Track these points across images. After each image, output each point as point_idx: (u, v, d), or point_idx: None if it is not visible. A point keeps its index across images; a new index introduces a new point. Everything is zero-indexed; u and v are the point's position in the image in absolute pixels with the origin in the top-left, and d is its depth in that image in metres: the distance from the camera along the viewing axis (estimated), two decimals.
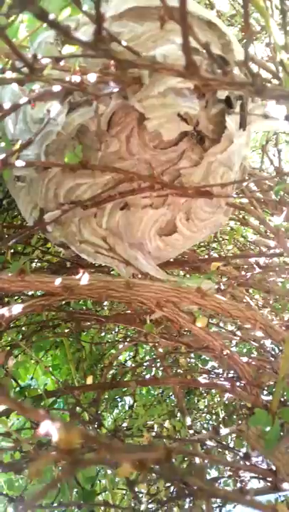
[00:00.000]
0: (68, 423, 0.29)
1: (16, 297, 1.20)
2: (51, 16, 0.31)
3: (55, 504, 0.99)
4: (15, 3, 0.31)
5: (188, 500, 1.13)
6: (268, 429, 0.62)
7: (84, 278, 0.62)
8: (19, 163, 0.60)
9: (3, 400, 0.33)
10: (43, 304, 0.65)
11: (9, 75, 0.53)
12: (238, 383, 0.86)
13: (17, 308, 0.62)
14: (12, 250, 1.06)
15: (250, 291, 1.58)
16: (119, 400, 1.79)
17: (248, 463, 0.74)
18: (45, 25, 0.76)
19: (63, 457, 0.28)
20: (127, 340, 1.60)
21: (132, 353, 1.83)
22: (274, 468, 0.70)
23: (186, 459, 1.38)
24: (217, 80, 0.40)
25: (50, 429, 0.29)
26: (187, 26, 0.34)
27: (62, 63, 0.57)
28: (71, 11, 0.64)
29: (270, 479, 0.76)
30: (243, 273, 1.23)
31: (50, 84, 0.55)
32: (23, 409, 0.31)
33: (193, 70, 0.37)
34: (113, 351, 1.70)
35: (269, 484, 0.79)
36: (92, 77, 0.57)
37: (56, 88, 0.55)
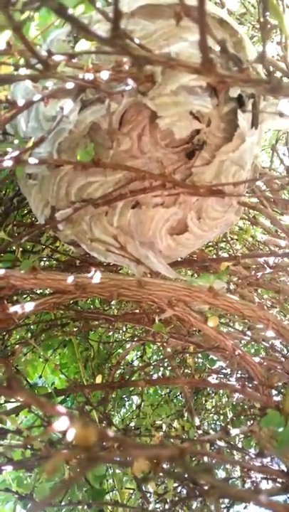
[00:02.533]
0: (85, 421, 0.29)
1: (25, 296, 1.20)
2: (69, 11, 0.31)
3: (64, 503, 0.99)
4: None
5: (196, 501, 1.13)
6: (280, 430, 0.62)
7: (96, 276, 0.62)
8: (32, 160, 0.60)
9: (22, 394, 0.33)
10: (55, 302, 0.65)
11: (23, 71, 0.53)
12: (247, 383, 0.86)
13: (29, 306, 0.62)
14: (21, 248, 1.06)
15: (259, 291, 1.57)
16: (126, 399, 1.79)
17: (260, 463, 0.74)
18: (56, 23, 0.77)
19: (80, 454, 0.28)
20: (135, 339, 1.60)
21: (139, 353, 1.83)
22: (285, 469, 0.70)
23: (194, 459, 1.38)
24: (233, 77, 0.40)
25: (66, 425, 0.29)
26: (205, 23, 0.34)
27: (75, 61, 0.57)
28: (85, 8, 0.64)
29: (281, 480, 0.76)
30: (252, 273, 1.23)
31: (64, 82, 0.54)
32: (41, 404, 0.31)
33: (209, 66, 0.37)
34: (120, 351, 1.70)
35: (280, 485, 0.79)
36: (104, 75, 0.57)
37: (69, 85, 0.55)
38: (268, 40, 1.41)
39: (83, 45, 0.57)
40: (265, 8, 0.37)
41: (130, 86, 0.56)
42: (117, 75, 0.58)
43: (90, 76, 0.56)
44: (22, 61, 0.56)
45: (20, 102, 0.54)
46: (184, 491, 1.16)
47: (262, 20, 0.36)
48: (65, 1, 0.64)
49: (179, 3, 0.40)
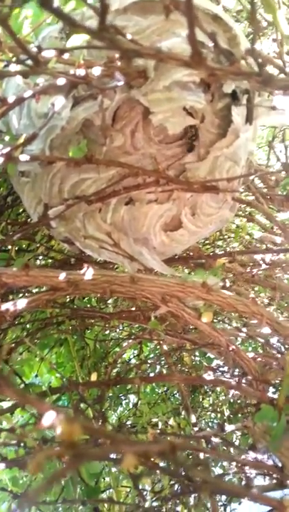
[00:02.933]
0: (71, 417, 0.29)
1: (20, 295, 1.20)
2: (55, 4, 0.31)
3: (60, 501, 0.99)
4: None
5: (192, 497, 1.13)
6: (274, 425, 0.62)
7: (88, 273, 0.62)
8: (23, 157, 0.60)
9: (8, 391, 0.33)
10: (48, 299, 0.65)
11: (13, 68, 0.53)
12: (243, 380, 0.86)
13: (22, 303, 0.62)
14: (16, 247, 1.06)
15: (256, 288, 1.57)
16: (123, 398, 1.79)
17: (253, 457, 0.74)
18: (49, 20, 0.76)
19: (66, 451, 0.28)
20: (132, 337, 1.60)
21: (136, 351, 1.83)
22: (280, 464, 0.70)
23: (190, 456, 1.38)
24: (223, 70, 0.40)
25: (53, 420, 0.29)
26: (193, 16, 0.34)
27: (66, 57, 0.56)
28: (76, 4, 0.64)
29: (276, 476, 0.76)
30: (248, 270, 1.23)
31: (55, 78, 0.54)
32: (28, 400, 0.31)
33: (198, 59, 0.37)
34: (117, 349, 1.70)
35: (275, 481, 0.79)
36: (96, 71, 0.57)
37: (61, 81, 0.55)
38: (263, 36, 1.41)
39: (74, 40, 0.57)
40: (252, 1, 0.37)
41: (121, 81, 0.56)
42: (109, 71, 0.58)
43: (81, 72, 0.56)
44: (12, 57, 0.55)
45: (11, 99, 0.54)
46: (180, 487, 1.16)
47: (252, 13, 0.36)
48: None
49: None
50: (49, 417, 0.30)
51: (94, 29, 0.33)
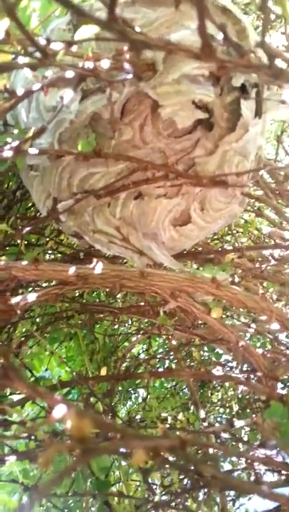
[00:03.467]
0: (82, 410, 0.29)
1: (30, 289, 1.20)
2: None
3: (70, 494, 1.00)
4: None
5: (202, 492, 1.13)
6: (283, 421, 0.61)
7: (98, 267, 0.62)
8: (32, 150, 0.60)
9: (20, 384, 0.33)
10: (57, 294, 0.65)
11: (22, 60, 0.53)
12: (252, 376, 0.86)
13: (32, 297, 0.62)
14: (26, 242, 1.06)
15: (265, 284, 1.57)
16: (132, 392, 1.80)
17: (262, 454, 0.74)
18: (57, 13, 0.76)
19: (75, 445, 0.28)
20: (141, 332, 1.60)
21: (145, 346, 1.83)
22: None
23: (199, 451, 1.38)
24: (233, 63, 0.39)
25: (64, 414, 0.29)
26: (204, 7, 0.33)
27: (75, 49, 0.56)
28: None
29: (285, 473, 0.75)
30: (257, 265, 1.22)
31: (63, 70, 0.54)
32: (38, 393, 0.31)
33: (208, 51, 0.36)
34: (126, 344, 1.70)
35: (284, 478, 0.78)
36: (105, 63, 0.57)
37: (69, 74, 0.54)
38: (272, 29, 1.39)
39: (82, 32, 0.56)
40: None
41: (130, 74, 0.56)
42: (117, 64, 0.58)
43: (90, 65, 0.55)
44: (21, 49, 0.55)
45: (20, 92, 0.53)
46: (190, 483, 1.16)
47: (263, 4, 0.36)
48: None
49: None
50: (60, 410, 0.30)
51: (103, 20, 0.33)
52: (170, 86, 0.65)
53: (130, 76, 0.56)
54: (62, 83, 0.56)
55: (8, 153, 0.55)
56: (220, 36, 0.39)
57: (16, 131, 0.64)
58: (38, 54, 0.47)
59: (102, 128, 0.70)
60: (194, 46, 0.64)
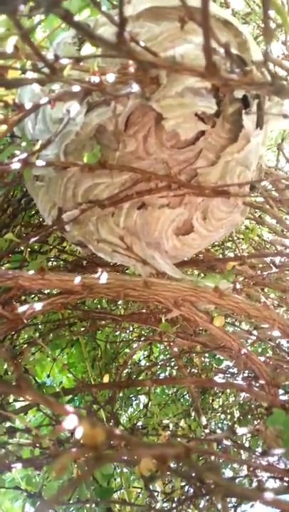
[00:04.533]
0: (93, 421, 0.30)
1: (32, 296, 1.21)
2: (75, 18, 0.32)
3: (72, 501, 1.00)
4: (39, 5, 0.32)
5: (203, 499, 1.13)
6: (286, 429, 0.62)
7: (102, 277, 0.63)
8: (39, 162, 0.61)
9: (30, 394, 0.34)
10: (63, 302, 0.66)
11: (30, 75, 0.54)
12: (254, 383, 0.86)
13: (38, 306, 0.63)
14: (29, 249, 1.07)
15: (266, 290, 1.57)
16: (133, 398, 1.80)
17: (265, 462, 0.74)
18: (63, 25, 0.77)
19: (88, 453, 0.29)
20: (142, 339, 1.61)
21: (146, 352, 1.84)
22: None
23: (200, 458, 1.38)
24: (237, 81, 0.41)
25: (74, 424, 0.30)
26: (209, 27, 0.35)
27: (81, 64, 0.57)
28: (90, 12, 0.65)
29: (287, 479, 0.76)
30: (258, 272, 1.23)
31: (70, 85, 0.55)
32: (50, 403, 0.32)
33: (213, 70, 0.37)
34: (128, 350, 1.71)
35: (286, 484, 0.79)
36: (110, 78, 0.58)
37: (76, 88, 0.56)
38: (272, 39, 1.41)
39: (89, 48, 0.58)
40: (266, 8, 0.38)
41: (135, 88, 0.57)
42: (122, 78, 0.59)
43: (96, 79, 0.57)
44: (29, 65, 0.56)
45: (27, 106, 0.55)
46: (191, 490, 1.16)
47: (264, 21, 0.37)
48: (71, 5, 0.65)
49: (183, 7, 0.40)
50: (71, 421, 0.31)
51: (112, 43, 0.34)
52: (173, 99, 0.67)
53: (135, 90, 0.57)
54: (69, 97, 0.57)
55: (16, 166, 0.56)
56: (222, 50, 0.41)
57: (23, 144, 0.65)
58: (45, 69, 0.49)
59: (106, 140, 0.71)
60: (198, 60, 0.65)
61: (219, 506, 1.19)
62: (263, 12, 0.40)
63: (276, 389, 0.73)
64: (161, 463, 0.33)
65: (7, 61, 0.56)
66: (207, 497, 0.91)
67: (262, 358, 0.79)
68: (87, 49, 0.61)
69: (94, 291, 0.63)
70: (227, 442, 0.89)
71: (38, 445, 0.73)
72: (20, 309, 0.60)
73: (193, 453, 0.35)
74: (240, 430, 0.86)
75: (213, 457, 0.92)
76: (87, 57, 0.53)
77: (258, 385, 0.83)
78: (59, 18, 0.31)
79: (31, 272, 0.62)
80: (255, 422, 1.47)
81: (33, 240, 0.74)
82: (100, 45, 0.33)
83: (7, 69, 0.48)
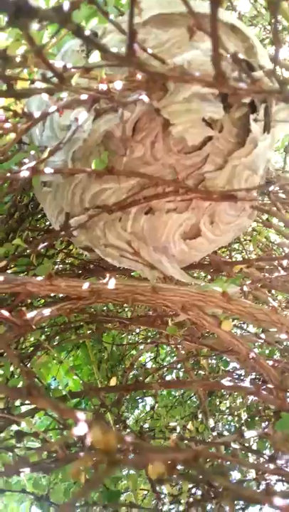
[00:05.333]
0: (106, 426, 0.30)
1: (39, 299, 1.22)
2: (87, 33, 0.32)
3: (79, 504, 1.00)
4: (53, 19, 0.32)
5: (211, 502, 1.13)
6: None
7: (111, 282, 0.63)
8: (47, 170, 0.61)
9: (42, 402, 0.34)
10: (70, 308, 0.67)
11: (39, 84, 0.54)
12: (262, 386, 0.86)
13: (47, 312, 0.63)
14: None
15: (273, 291, 1.57)
16: (140, 400, 1.80)
17: (273, 466, 0.74)
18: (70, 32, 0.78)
19: (101, 457, 0.30)
20: (148, 341, 1.61)
21: (152, 354, 1.84)
22: None
23: (208, 460, 1.38)
24: (245, 90, 0.41)
25: (84, 430, 0.30)
26: (217, 38, 0.35)
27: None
28: (98, 21, 0.65)
29: None
30: (266, 274, 1.23)
31: (78, 93, 0.56)
32: (61, 411, 0.32)
33: (222, 80, 0.38)
34: (134, 352, 1.71)
35: None
36: (118, 85, 0.58)
37: (83, 96, 0.56)
38: (281, 46, 1.41)
39: (97, 56, 0.58)
40: (275, 18, 0.38)
41: (142, 95, 0.57)
42: (130, 85, 0.60)
43: (103, 87, 0.57)
44: (37, 73, 0.57)
45: (36, 114, 0.55)
46: (199, 492, 1.16)
47: (273, 33, 0.37)
48: (78, 14, 0.65)
49: (191, 16, 0.40)
50: (81, 428, 0.31)
51: (122, 55, 0.35)
52: (181, 105, 0.67)
53: (143, 97, 0.57)
54: (77, 104, 0.58)
55: (24, 173, 0.57)
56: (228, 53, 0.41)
57: (32, 152, 0.65)
58: (54, 79, 0.49)
59: (114, 146, 0.72)
60: (205, 66, 0.66)
61: (227, 509, 1.19)
62: (272, 19, 0.40)
63: (284, 393, 0.73)
64: (170, 467, 0.34)
65: (16, 70, 0.57)
66: (215, 500, 0.91)
67: (270, 362, 0.80)
68: (95, 56, 0.62)
69: (102, 296, 0.63)
70: (235, 446, 0.89)
71: (46, 450, 0.74)
72: (29, 315, 0.61)
73: (201, 457, 0.35)
74: (249, 433, 0.86)
75: (221, 460, 0.92)
76: (96, 66, 0.53)
77: (265, 388, 0.83)
78: (72, 34, 0.32)
79: (39, 277, 0.62)
80: (263, 424, 1.47)
81: (41, 246, 0.75)
82: (112, 59, 0.34)
83: (16, 79, 0.48)
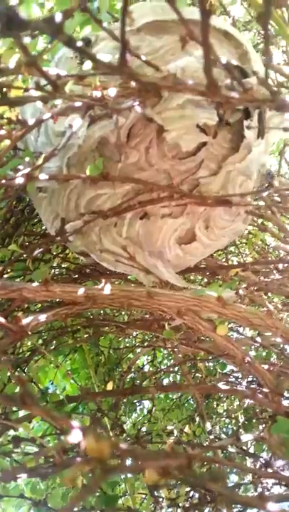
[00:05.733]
0: (95, 431, 0.30)
1: (35, 303, 1.22)
2: (79, 44, 0.32)
3: (77, 509, 1.00)
4: (44, 31, 0.32)
5: (208, 506, 1.14)
6: None
7: (106, 288, 0.63)
8: (42, 176, 0.62)
9: (36, 410, 0.34)
10: (66, 313, 0.67)
11: (33, 93, 0.55)
12: (258, 389, 0.87)
13: (42, 317, 0.64)
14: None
15: (269, 294, 1.57)
16: (137, 404, 1.80)
17: (269, 469, 0.75)
18: None
19: (95, 465, 0.30)
20: (145, 344, 1.61)
21: (149, 357, 1.84)
22: None
23: (205, 463, 1.38)
24: (237, 99, 0.41)
25: (79, 437, 0.30)
26: (209, 48, 0.35)
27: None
28: (92, 29, 0.66)
29: None
30: (261, 278, 1.23)
31: (72, 100, 0.56)
32: (55, 418, 0.33)
33: (214, 89, 0.38)
34: (131, 356, 1.71)
35: None
36: (112, 92, 0.59)
37: (78, 104, 0.56)
38: (273, 46, 1.41)
39: (90, 63, 0.59)
40: (265, 27, 0.38)
41: (136, 102, 0.58)
42: (124, 92, 0.60)
43: (97, 94, 0.57)
44: (31, 81, 0.57)
45: (30, 122, 0.56)
46: (196, 495, 1.16)
47: (264, 44, 0.38)
48: (72, 22, 0.66)
49: (183, 26, 0.41)
50: (76, 435, 0.31)
51: (114, 65, 0.35)
52: (175, 111, 0.67)
53: (137, 103, 0.58)
54: (71, 111, 0.58)
55: (19, 180, 0.57)
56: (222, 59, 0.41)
57: (27, 159, 0.66)
58: (48, 86, 0.49)
59: (108, 151, 0.72)
60: (198, 72, 0.66)
61: None
62: (263, 30, 0.41)
63: (279, 396, 0.73)
64: (165, 473, 0.34)
65: (9, 77, 0.57)
66: (211, 504, 0.91)
67: (265, 366, 0.80)
68: (89, 63, 0.62)
69: (97, 302, 0.63)
70: (232, 449, 0.89)
71: (43, 455, 0.74)
72: (25, 321, 0.61)
73: (196, 461, 0.36)
74: (245, 437, 0.87)
75: (217, 464, 0.92)
76: (90, 74, 0.54)
77: (261, 391, 0.83)
78: (63, 44, 0.32)
79: (35, 283, 0.62)
80: (260, 427, 1.47)
81: (37, 252, 0.75)
82: (104, 69, 0.34)
83: (10, 87, 0.48)
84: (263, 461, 0.77)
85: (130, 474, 1.41)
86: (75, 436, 0.31)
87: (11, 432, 1.00)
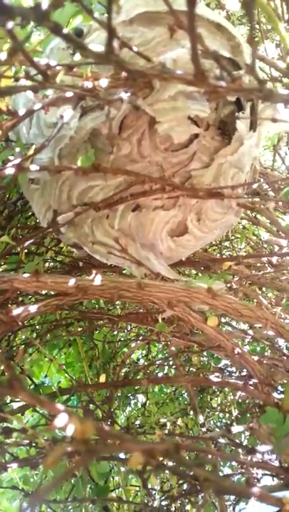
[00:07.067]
0: (83, 417, 0.31)
1: (30, 296, 1.22)
2: (65, 31, 0.32)
3: (70, 500, 1.01)
4: (30, 17, 0.32)
5: (199, 496, 1.15)
6: (279, 426, 0.63)
7: (96, 279, 0.63)
8: (33, 167, 0.62)
9: (23, 394, 0.35)
10: (57, 304, 0.67)
11: (23, 82, 0.55)
12: (249, 381, 0.87)
13: (33, 308, 0.64)
14: (26, 250, 1.08)
15: (263, 289, 1.58)
16: (131, 397, 1.81)
17: (255, 458, 0.75)
18: None
19: (78, 447, 0.30)
20: (140, 338, 1.62)
21: (144, 352, 1.85)
22: (287, 465, 0.71)
23: (198, 455, 1.39)
24: (225, 88, 0.41)
25: (65, 421, 0.31)
26: (195, 36, 0.36)
27: (74, 69, 0.58)
28: (83, 19, 0.66)
29: (282, 476, 0.77)
30: (254, 272, 1.24)
31: (63, 91, 0.56)
32: (41, 402, 0.33)
33: (201, 78, 0.38)
34: (125, 350, 1.71)
35: (282, 481, 0.80)
36: (103, 83, 0.59)
37: (69, 94, 0.56)
38: (267, 40, 1.41)
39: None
40: (250, 13, 0.38)
41: (128, 93, 0.58)
42: (115, 82, 0.60)
43: (89, 84, 0.57)
44: (22, 71, 0.57)
45: (21, 112, 0.56)
46: (188, 487, 1.17)
47: (250, 30, 0.38)
48: (63, 12, 0.66)
49: (172, 15, 0.41)
50: (62, 419, 0.32)
51: (101, 52, 0.35)
52: (166, 102, 0.67)
53: (128, 95, 0.58)
54: (62, 102, 0.58)
55: (10, 171, 0.57)
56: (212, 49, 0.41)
57: (18, 149, 0.66)
58: (39, 76, 0.49)
59: (100, 143, 0.72)
60: (190, 64, 0.66)
61: (217, 504, 1.20)
62: (248, 16, 0.41)
63: (270, 387, 0.74)
64: (151, 457, 0.34)
65: (0, 68, 0.57)
66: (201, 494, 0.92)
67: (256, 358, 0.80)
68: (80, 56, 0.62)
69: (88, 293, 0.64)
70: (222, 440, 0.90)
71: (34, 444, 0.74)
72: (15, 312, 0.61)
73: (184, 450, 0.36)
74: (235, 428, 0.87)
75: (209, 455, 0.93)
76: (80, 64, 0.54)
77: (252, 383, 0.84)
78: (50, 32, 0.32)
79: (26, 274, 0.63)
80: (252, 420, 1.48)
81: (28, 242, 0.75)
82: (91, 57, 0.34)
83: (0, 77, 0.48)
84: (246, 451, 0.78)
85: (123, 468, 1.42)
86: (61, 420, 0.32)
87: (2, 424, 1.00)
